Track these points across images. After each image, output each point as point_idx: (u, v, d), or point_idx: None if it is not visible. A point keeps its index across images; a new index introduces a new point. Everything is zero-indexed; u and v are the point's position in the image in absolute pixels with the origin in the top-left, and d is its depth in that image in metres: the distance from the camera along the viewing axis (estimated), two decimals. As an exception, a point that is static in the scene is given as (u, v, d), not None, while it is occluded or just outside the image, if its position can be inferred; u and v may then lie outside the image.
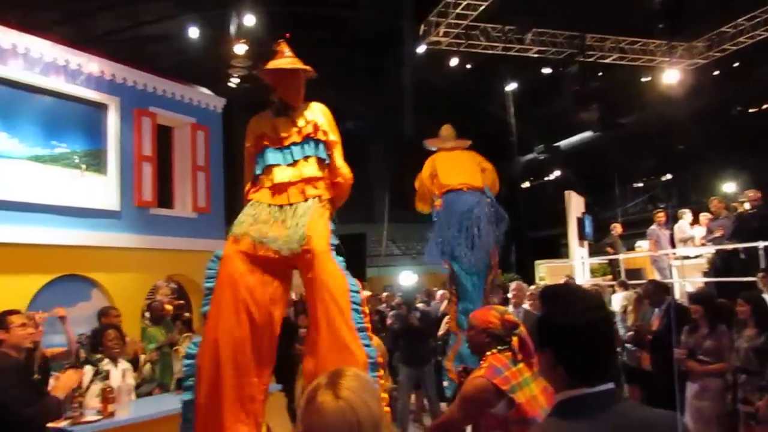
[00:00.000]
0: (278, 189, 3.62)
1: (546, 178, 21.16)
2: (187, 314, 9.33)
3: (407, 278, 11.82)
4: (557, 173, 20.45)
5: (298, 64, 3.71)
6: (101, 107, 7.83)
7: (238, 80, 14.88)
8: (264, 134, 3.73)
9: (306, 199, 3.60)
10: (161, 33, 16.09)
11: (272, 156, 3.67)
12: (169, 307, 9.91)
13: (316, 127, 3.73)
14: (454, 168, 6.52)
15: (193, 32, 14.18)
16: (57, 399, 3.92)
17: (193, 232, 8.74)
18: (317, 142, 3.73)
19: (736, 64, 16.03)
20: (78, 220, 7.34)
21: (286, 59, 3.72)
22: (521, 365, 2.96)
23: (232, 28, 13.48)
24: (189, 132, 9.02)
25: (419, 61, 15.48)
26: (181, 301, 10.12)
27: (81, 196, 7.47)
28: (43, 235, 6.86)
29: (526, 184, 21.97)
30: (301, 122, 3.73)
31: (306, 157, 3.69)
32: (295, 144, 3.69)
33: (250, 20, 13.18)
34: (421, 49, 15.04)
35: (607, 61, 16.19)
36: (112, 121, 7.89)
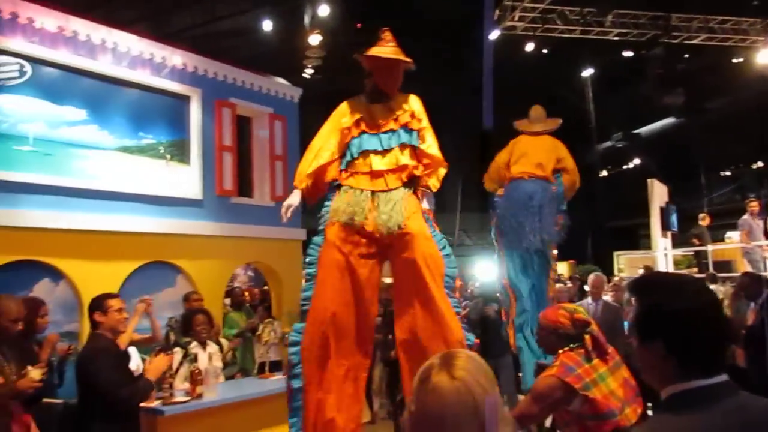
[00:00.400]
0: (375, 174, 3.75)
1: (625, 167, 20.46)
2: (265, 303, 9.55)
3: (484, 269, 11.68)
4: (637, 161, 19.75)
5: (400, 55, 3.78)
6: (184, 99, 8.08)
7: (312, 71, 15.06)
8: (361, 119, 3.83)
9: (403, 185, 3.75)
10: (237, 26, 16.45)
11: (369, 141, 3.78)
12: (249, 293, 10.20)
13: (412, 116, 3.85)
14: (527, 155, 6.40)
15: (268, 25, 14.42)
16: (149, 381, 4.09)
17: (271, 220, 8.89)
18: (412, 130, 3.84)
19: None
20: (163, 209, 7.62)
21: (389, 48, 3.79)
22: (595, 361, 2.95)
23: (306, 19, 13.65)
24: (267, 122, 9.20)
25: (494, 47, 15.20)
26: (263, 287, 10.37)
27: (166, 185, 7.74)
28: (131, 223, 7.15)
29: (604, 173, 21.31)
30: (398, 111, 3.84)
31: (402, 145, 3.80)
32: (392, 131, 3.81)
33: (324, 11, 13.30)
34: (496, 34, 14.75)
35: (695, 42, 15.42)
36: (195, 112, 8.13)
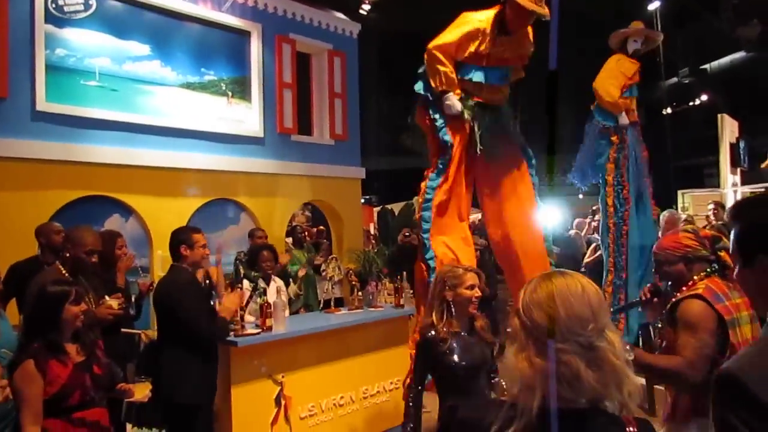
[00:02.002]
0: (489, 93, 4.33)
1: (690, 104, 19.42)
2: (324, 240, 9.51)
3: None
4: (704, 98, 18.68)
5: (544, 11, 4.01)
6: (245, 34, 7.87)
7: (368, 7, 14.55)
8: (483, 53, 4.18)
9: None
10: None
11: (482, 75, 4.24)
12: (308, 232, 10.18)
13: (526, 57, 4.39)
14: None
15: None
16: (225, 320, 4.04)
17: (331, 158, 8.77)
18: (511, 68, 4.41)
19: None
20: (226, 146, 7.53)
21: (539, 2, 3.98)
22: (739, 299, 2.40)
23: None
24: (326, 58, 8.93)
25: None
26: (321, 227, 10.33)
27: (228, 122, 7.63)
28: (196, 161, 7.11)
29: (668, 110, 20.31)
30: (518, 49, 4.30)
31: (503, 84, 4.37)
32: (507, 67, 4.37)
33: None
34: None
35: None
36: (255, 48, 7.92)
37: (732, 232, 1.53)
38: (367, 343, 5.43)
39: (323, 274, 6.28)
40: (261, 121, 7.97)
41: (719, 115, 12.21)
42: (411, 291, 6.73)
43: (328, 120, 8.92)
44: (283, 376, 4.63)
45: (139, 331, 4.65)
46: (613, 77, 6.12)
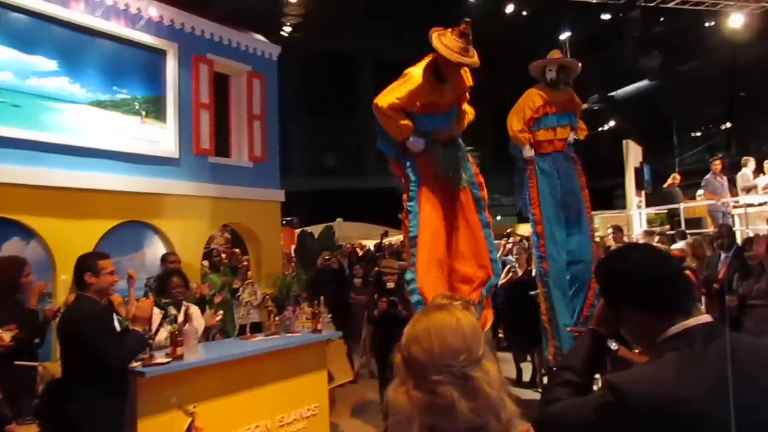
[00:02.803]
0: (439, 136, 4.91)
1: (600, 129, 20.39)
2: (245, 262, 9.31)
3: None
4: (611, 123, 19.66)
5: (471, 61, 4.44)
6: (160, 53, 7.64)
7: (290, 29, 14.53)
8: (432, 102, 4.64)
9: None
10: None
11: (432, 123, 4.76)
12: (226, 254, 9.94)
13: (465, 95, 4.88)
14: None
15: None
16: (138, 333, 3.84)
17: (249, 180, 8.62)
18: (459, 106, 4.89)
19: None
20: (139, 167, 7.25)
21: (461, 44, 4.33)
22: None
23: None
24: (245, 80, 8.80)
25: (473, 7, 14.85)
26: (237, 250, 10.12)
27: (141, 142, 7.36)
28: (106, 181, 6.79)
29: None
30: (456, 89, 4.74)
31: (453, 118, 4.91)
32: (452, 108, 4.82)
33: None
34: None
35: (669, 5, 15.24)
36: (171, 67, 7.71)
37: (599, 284, 1.74)
38: (284, 370, 5.32)
39: (239, 299, 6.13)
40: (176, 142, 7.74)
41: (624, 141, 12.89)
42: (329, 315, 6.66)
43: (246, 141, 8.76)
44: (194, 407, 4.45)
45: (36, 364, 4.36)
46: (518, 111, 6.31)
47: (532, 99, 6.27)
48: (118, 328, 4.66)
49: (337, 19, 18.14)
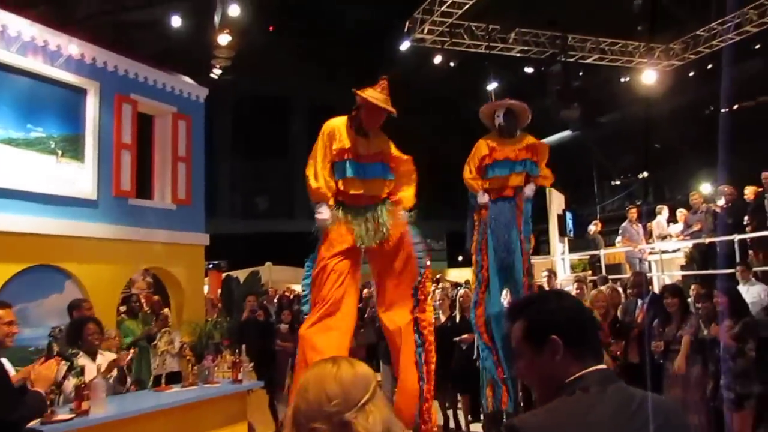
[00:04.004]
0: (355, 198, 4.69)
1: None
2: (165, 309, 8.95)
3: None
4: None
5: (389, 106, 4.56)
6: (80, 91, 7.39)
7: (220, 71, 14.43)
8: (349, 148, 4.62)
9: (375, 204, 4.74)
10: (144, 20, 15.55)
11: (352, 169, 4.63)
12: (146, 300, 9.54)
13: (392, 159, 4.83)
14: None
15: (177, 20, 13.70)
16: (39, 394, 3.55)
17: (172, 224, 8.35)
18: (385, 165, 4.79)
19: (710, 66, 16.09)
20: (52, 208, 6.90)
21: (381, 96, 4.53)
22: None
23: (216, 18, 13.04)
24: (170, 121, 8.61)
25: (403, 57, 15.20)
26: (157, 297, 9.74)
27: (56, 183, 7.03)
28: (14, 223, 6.41)
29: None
30: (377, 147, 4.75)
31: (376, 177, 4.73)
32: (373, 164, 4.72)
33: (234, 10, 12.75)
34: (406, 45, 14.77)
35: (588, 61, 16.11)
36: (92, 106, 7.45)
37: (513, 330, 1.72)
38: (202, 423, 5.08)
39: (154, 347, 5.86)
40: (94, 183, 7.43)
41: (547, 189, 13.28)
42: (251, 364, 6.44)
43: (170, 183, 8.52)
44: (99, 467, 4.15)
45: None
46: (469, 161, 6.20)
47: (479, 148, 6.19)
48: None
49: (270, 62, 18.19)
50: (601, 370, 1.60)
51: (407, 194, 4.91)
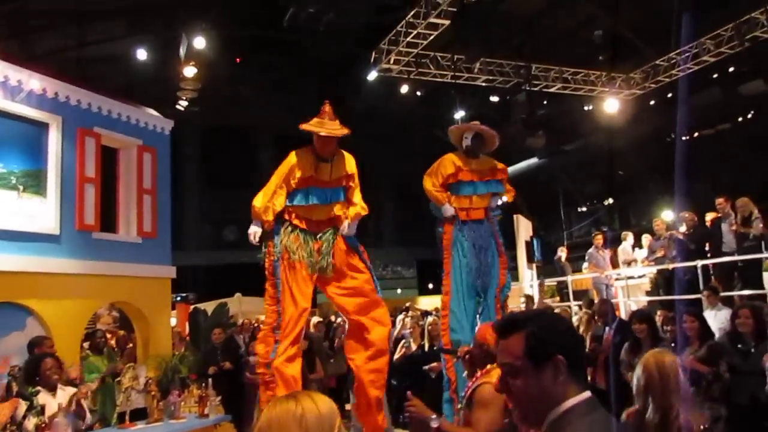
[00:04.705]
0: (315, 224, 5.04)
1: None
2: (130, 344, 8.84)
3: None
4: (504, 198, 20.66)
5: (338, 132, 4.84)
6: (42, 126, 7.37)
7: (186, 103, 14.49)
8: (311, 176, 4.90)
9: (333, 230, 5.08)
10: (108, 53, 15.59)
11: (315, 196, 4.95)
12: (112, 335, 9.42)
13: (348, 178, 5.09)
14: None
15: (141, 53, 13.77)
16: None
17: (138, 257, 8.31)
18: (345, 188, 5.09)
19: (670, 95, 16.59)
20: (13, 244, 6.83)
21: (327, 122, 4.81)
22: None
23: (182, 50, 13.13)
24: (135, 154, 8.61)
25: (370, 87, 15.45)
26: (123, 332, 9.63)
27: (18, 218, 6.97)
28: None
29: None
30: (338, 172, 5.02)
31: (337, 201, 5.07)
32: (334, 188, 5.02)
33: (200, 43, 12.87)
34: (372, 75, 15.03)
35: (552, 90, 16.52)
36: (54, 140, 7.44)
37: (507, 344, 1.62)
38: (165, 460, 5.02)
39: (119, 383, 5.80)
40: (57, 217, 7.38)
41: (515, 216, 13.53)
42: (218, 398, 6.41)
43: (135, 216, 8.50)
44: None
45: None
46: (431, 173, 6.05)
47: (445, 164, 6.05)
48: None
49: (236, 93, 18.29)
50: (593, 396, 1.60)
51: (355, 205, 5.19)
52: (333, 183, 5.03)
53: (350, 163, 5.15)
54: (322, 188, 4.98)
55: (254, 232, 5.03)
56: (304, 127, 4.85)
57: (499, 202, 6.39)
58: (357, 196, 5.20)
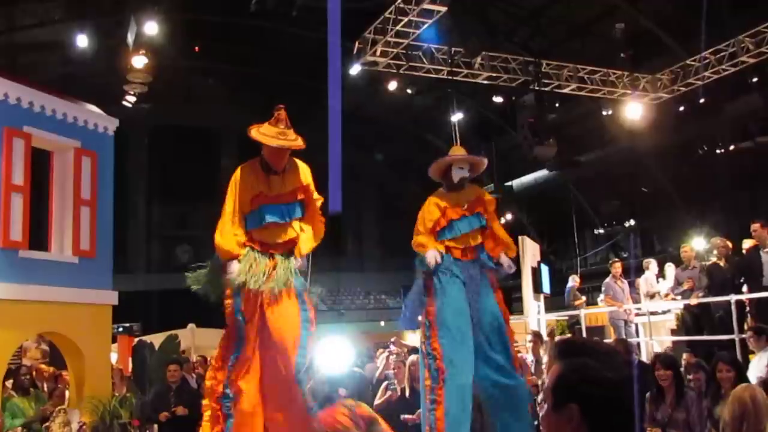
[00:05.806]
0: (272, 247, 5.01)
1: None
2: (61, 384, 8.85)
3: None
4: (508, 216, 20.80)
5: (294, 145, 4.87)
6: (-40, 124, 7.45)
7: (134, 99, 14.57)
8: (261, 193, 4.91)
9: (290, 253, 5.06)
10: (42, 40, 15.64)
11: (270, 215, 4.92)
12: (39, 372, 9.40)
13: (305, 191, 5.08)
14: None
15: (82, 40, 13.83)
16: None
17: (73, 280, 8.35)
18: (303, 203, 5.09)
19: (702, 100, 16.73)
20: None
21: (279, 130, 4.80)
22: None
23: (130, 37, 13.19)
24: (72, 158, 8.67)
25: (352, 83, 15.51)
26: (53, 368, 9.62)
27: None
28: None
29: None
30: (292, 184, 5.04)
31: (295, 217, 5.05)
32: (289, 203, 5.02)
33: (151, 28, 12.91)
34: (355, 69, 15.08)
35: (565, 91, 16.64)
36: (-25, 142, 7.51)
37: (552, 369, 1.76)
38: None
39: (47, 429, 5.85)
40: (-23, 233, 7.44)
41: (520, 237, 13.63)
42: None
43: (71, 232, 8.54)
44: None
45: None
46: (419, 223, 6.22)
47: (431, 211, 6.09)
48: None
49: (194, 88, 18.41)
50: None
51: (311, 225, 5.23)
52: (287, 197, 5.04)
53: (305, 173, 5.16)
54: (276, 204, 4.98)
55: (234, 275, 4.90)
56: (254, 135, 4.84)
57: (509, 267, 6.37)
58: (316, 212, 5.24)
